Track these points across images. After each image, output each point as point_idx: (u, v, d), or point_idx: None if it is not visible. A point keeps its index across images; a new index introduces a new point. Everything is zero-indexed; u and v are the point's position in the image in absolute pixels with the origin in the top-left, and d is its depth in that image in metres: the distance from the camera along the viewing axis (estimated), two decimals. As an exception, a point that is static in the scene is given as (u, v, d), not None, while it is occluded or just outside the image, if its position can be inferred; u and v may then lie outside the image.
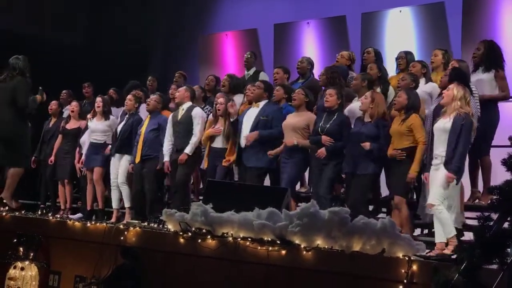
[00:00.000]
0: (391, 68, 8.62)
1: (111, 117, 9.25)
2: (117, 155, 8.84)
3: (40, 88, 9.26)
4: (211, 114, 8.56)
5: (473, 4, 9.93)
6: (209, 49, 13.15)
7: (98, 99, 9.28)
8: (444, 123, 6.19)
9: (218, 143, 8.23)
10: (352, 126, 7.30)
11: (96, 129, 9.16)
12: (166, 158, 8.41)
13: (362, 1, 11.37)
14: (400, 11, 10.73)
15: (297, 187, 8.12)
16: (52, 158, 9.68)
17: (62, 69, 10.71)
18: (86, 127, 9.50)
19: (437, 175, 6.14)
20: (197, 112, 8.42)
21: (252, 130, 7.88)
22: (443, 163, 6.10)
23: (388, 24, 10.83)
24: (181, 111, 8.48)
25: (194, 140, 8.27)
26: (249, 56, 10.12)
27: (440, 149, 6.18)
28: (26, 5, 13.10)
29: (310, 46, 11.60)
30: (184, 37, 14.08)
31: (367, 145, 6.90)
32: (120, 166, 8.83)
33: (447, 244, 5.99)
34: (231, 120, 8.12)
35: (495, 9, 9.72)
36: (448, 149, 6.08)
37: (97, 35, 13.91)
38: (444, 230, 6.00)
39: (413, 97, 6.84)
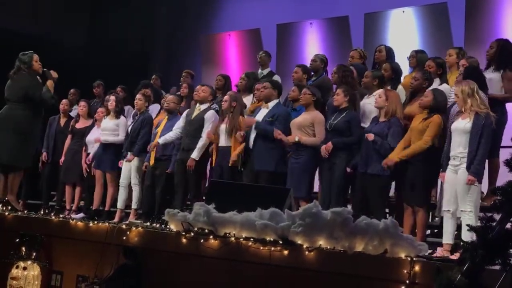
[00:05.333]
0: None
1: (121, 116, 9.24)
2: (129, 153, 8.82)
3: (45, 69, 9.24)
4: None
5: (476, 4, 9.93)
6: (211, 49, 13.15)
7: (112, 97, 9.25)
8: (464, 124, 6.11)
9: (222, 141, 8.17)
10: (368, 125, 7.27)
11: (106, 128, 9.13)
12: (160, 141, 8.39)
13: (365, 1, 11.37)
14: (403, 11, 10.74)
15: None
16: (63, 158, 9.69)
17: (61, 69, 10.68)
18: (92, 126, 9.50)
19: (459, 178, 6.07)
20: (210, 115, 8.33)
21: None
22: (462, 164, 6.06)
23: (391, 24, 10.83)
24: (197, 111, 8.45)
25: (200, 144, 8.22)
26: (263, 55, 10.08)
27: (459, 150, 6.11)
28: (27, 4, 13.12)
29: (313, 46, 11.59)
30: (186, 37, 14.10)
31: (370, 136, 6.88)
32: (132, 166, 8.79)
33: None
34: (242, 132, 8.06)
35: (498, 9, 9.71)
36: (470, 150, 6.02)
37: (99, 35, 13.94)
38: (463, 235, 5.94)
39: (440, 98, 6.70)
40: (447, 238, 6.15)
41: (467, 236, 5.77)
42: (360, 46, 10.21)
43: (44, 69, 9.23)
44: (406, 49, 8.79)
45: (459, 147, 6.12)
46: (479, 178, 6.06)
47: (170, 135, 8.43)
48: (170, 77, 12.14)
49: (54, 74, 9.29)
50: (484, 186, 7.31)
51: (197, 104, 8.56)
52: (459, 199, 6.09)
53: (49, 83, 9.16)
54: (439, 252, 6.06)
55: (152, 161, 8.54)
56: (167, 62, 14.02)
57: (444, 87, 7.38)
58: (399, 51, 8.81)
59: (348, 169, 7.13)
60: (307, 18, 11.92)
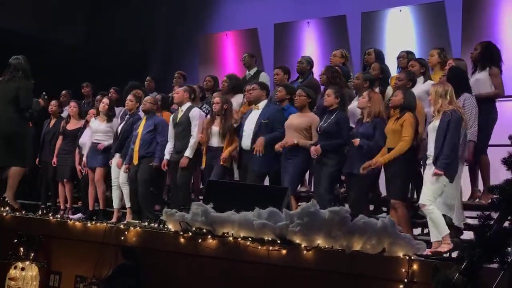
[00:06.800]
0: (391, 67, 8.63)
1: (113, 119, 9.27)
2: (117, 154, 8.87)
3: (44, 93, 9.33)
4: (209, 113, 8.59)
5: (473, 3, 9.96)
6: (209, 49, 13.16)
7: (105, 100, 9.28)
8: (434, 123, 6.26)
9: (214, 142, 8.24)
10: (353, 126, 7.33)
11: (98, 130, 9.17)
12: (167, 157, 8.43)
13: (362, 0, 11.38)
14: (400, 10, 10.76)
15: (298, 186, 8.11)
16: (55, 159, 9.70)
17: (61, 69, 10.73)
18: (85, 127, 9.52)
19: (429, 174, 6.18)
20: (195, 113, 8.42)
21: (254, 133, 7.88)
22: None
23: (388, 23, 10.84)
24: (180, 113, 8.52)
25: (192, 142, 8.29)
26: (246, 56, 10.13)
27: (432, 149, 6.22)
28: (26, 4, 13.11)
29: (310, 45, 11.61)
30: (184, 37, 14.11)
31: (356, 141, 6.98)
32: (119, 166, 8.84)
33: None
34: (235, 125, 8.13)
35: (495, 9, 9.74)
36: (436, 146, 6.14)
37: (97, 35, 13.94)
38: (438, 230, 6.03)
39: (409, 98, 6.86)
40: (434, 236, 6.18)
41: (434, 231, 5.99)
42: (357, 46, 10.28)
43: (44, 93, 9.56)
44: (403, 48, 8.81)
45: (432, 147, 6.24)
46: (449, 175, 6.10)
47: (170, 147, 8.49)
48: (168, 78, 12.12)
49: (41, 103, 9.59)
50: (480, 184, 7.35)
51: (178, 107, 8.62)
52: (422, 192, 6.16)
53: (41, 101, 9.34)
54: (427, 251, 6.05)
55: (136, 161, 8.56)
56: (166, 62, 14.03)
57: (429, 83, 7.54)
58: (396, 50, 8.82)
59: (343, 177, 7.19)
60: (304, 17, 11.94)
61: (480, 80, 7.30)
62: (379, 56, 8.74)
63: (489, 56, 7.39)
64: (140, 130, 8.64)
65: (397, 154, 6.63)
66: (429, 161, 6.24)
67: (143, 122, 8.72)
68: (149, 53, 14.50)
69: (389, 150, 6.79)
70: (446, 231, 6.02)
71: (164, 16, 14.54)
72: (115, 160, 8.88)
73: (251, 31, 12.47)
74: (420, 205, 6.18)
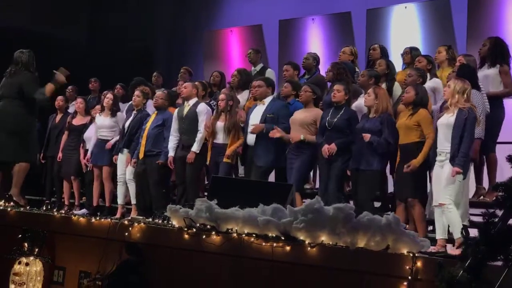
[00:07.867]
0: (396, 64, 8.62)
1: (118, 113, 9.26)
2: (124, 150, 8.85)
3: (55, 71, 9.20)
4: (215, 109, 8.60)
5: (478, 0, 9.92)
6: (213, 45, 13.16)
7: (109, 95, 9.26)
8: (447, 118, 6.17)
9: (220, 138, 8.23)
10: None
11: (103, 125, 9.17)
12: (171, 153, 8.42)
13: (367, -3, 11.38)
14: (405, 7, 10.75)
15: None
16: (60, 154, 9.70)
17: (66, 66, 10.68)
18: (91, 122, 9.52)
19: (443, 172, 6.10)
20: (203, 108, 8.41)
21: None
22: (448, 159, 6.09)
23: (393, 20, 10.83)
24: (187, 107, 8.50)
25: (199, 136, 8.27)
26: (251, 52, 10.12)
27: (444, 145, 6.15)
28: (30, 2, 13.12)
29: (315, 42, 11.60)
30: (188, 33, 14.10)
31: (367, 136, 6.89)
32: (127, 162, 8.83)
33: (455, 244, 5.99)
34: (241, 125, 8.14)
35: (500, 5, 9.72)
36: (453, 144, 6.07)
37: (102, 31, 13.94)
38: (454, 230, 5.97)
39: (421, 93, 6.81)
40: (440, 233, 6.15)
41: (440, 229, 5.98)
42: (362, 42, 10.25)
43: (54, 71, 9.20)
44: (408, 45, 8.81)
45: (444, 143, 6.17)
46: (465, 172, 6.06)
47: (173, 141, 8.46)
48: (173, 73, 12.13)
49: (61, 78, 9.21)
50: (484, 182, 7.34)
51: (185, 102, 8.61)
52: (436, 190, 6.12)
53: (49, 86, 9.12)
54: (433, 248, 6.04)
55: (141, 155, 8.55)
56: (170, 58, 14.02)
57: (434, 81, 7.49)
58: (401, 47, 8.82)
59: (348, 172, 7.18)
60: (309, 14, 11.92)
61: (489, 77, 7.26)
62: (384, 52, 8.72)
63: (498, 52, 7.35)
64: (148, 125, 8.65)
65: (428, 151, 6.54)
66: (441, 157, 6.16)
67: (152, 117, 8.72)
68: (153, 49, 14.50)
69: (401, 146, 6.75)
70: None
71: (168, 12, 14.53)
72: (123, 156, 8.87)
73: (255, 28, 12.46)
74: (439, 204, 6.09)
